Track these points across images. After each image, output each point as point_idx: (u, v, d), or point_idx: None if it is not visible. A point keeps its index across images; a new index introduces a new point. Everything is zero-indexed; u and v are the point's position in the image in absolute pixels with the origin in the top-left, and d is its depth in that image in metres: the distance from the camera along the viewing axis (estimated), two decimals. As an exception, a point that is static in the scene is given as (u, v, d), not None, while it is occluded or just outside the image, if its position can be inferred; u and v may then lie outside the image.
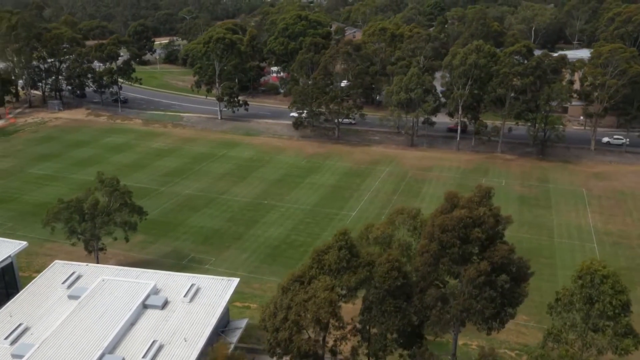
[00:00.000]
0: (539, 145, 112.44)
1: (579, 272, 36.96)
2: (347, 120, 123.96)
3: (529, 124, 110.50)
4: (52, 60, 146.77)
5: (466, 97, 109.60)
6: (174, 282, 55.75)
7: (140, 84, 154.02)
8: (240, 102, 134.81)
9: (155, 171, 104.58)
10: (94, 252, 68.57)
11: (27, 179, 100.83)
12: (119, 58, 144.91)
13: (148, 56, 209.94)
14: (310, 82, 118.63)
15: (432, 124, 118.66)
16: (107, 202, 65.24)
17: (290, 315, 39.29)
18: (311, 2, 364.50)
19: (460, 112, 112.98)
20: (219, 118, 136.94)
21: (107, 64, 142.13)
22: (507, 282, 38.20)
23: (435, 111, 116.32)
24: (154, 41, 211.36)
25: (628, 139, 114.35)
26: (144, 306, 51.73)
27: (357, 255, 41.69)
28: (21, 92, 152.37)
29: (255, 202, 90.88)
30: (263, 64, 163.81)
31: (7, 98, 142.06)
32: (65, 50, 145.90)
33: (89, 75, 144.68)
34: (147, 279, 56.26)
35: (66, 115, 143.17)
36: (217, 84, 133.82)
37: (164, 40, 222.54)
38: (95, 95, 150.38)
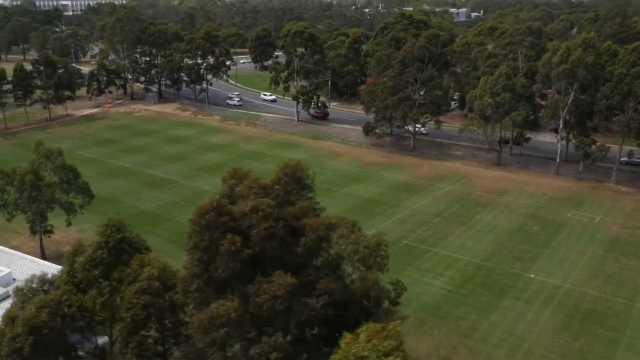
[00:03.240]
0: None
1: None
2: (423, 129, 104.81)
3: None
4: (152, 54, 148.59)
5: (568, 106, 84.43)
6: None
7: (227, 81, 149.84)
8: (319, 104, 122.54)
9: (191, 164, 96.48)
10: (38, 233, 60.84)
11: (67, 159, 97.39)
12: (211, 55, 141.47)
13: (270, 61, 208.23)
14: (383, 81, 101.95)
15: (527, 139, 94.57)
16: (42, 176, 56.94)
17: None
18: (458, 18, 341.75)
19: (561, 126, 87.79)
20: (296, 120, 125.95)
21: (198, 59, 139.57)
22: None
23: (530, 123, 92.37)
24: (276, 47, 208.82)
25: None
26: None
27: (126, 263, 26.28)
28: (135, 86, 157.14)
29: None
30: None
31: (109, 89, 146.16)
32: (166, 45, 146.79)
33: (184, 70, 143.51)
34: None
35: (157, 108, 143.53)
36: (296, 83, 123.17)
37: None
38: (199, 91, 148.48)
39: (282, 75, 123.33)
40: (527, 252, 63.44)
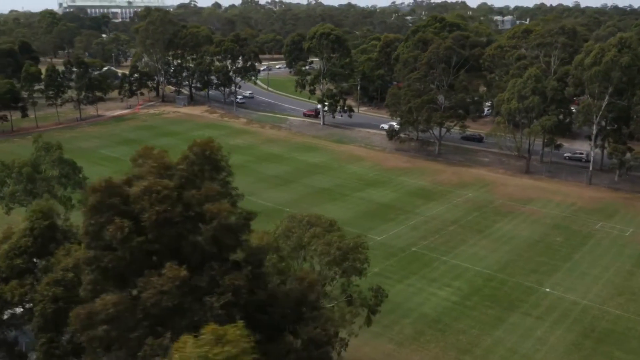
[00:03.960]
0: None
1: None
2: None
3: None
4: (184, 57, 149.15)
5: (602, 111, 78.87)
6: None
7: (255, 83, 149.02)
8: (345, 108, 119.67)
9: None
10: (38, 227, 60.21)
11: (89, 157, 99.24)
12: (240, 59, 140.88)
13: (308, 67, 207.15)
14: (407, 84, 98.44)
15: (558, 146, 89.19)
16: (41, 170, 56.35)
17: None
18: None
19: (594, 132, 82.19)
20: (321, 123, 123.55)
21: (228, 62, 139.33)
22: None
23: (563, 130, 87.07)
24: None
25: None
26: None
27: (52, 253, 24.24)
28: (167, 88, 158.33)
29: (277, 208, 74.83)
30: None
31: (141, 91, 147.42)
32: (196, 48, 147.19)
33: (213, 74, 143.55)
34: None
35: (186, 110, 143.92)
36: (322, 86, 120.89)
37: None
38: (228, 94, 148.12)
39: (309, 78, 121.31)
40: (545, 264, 58.69)
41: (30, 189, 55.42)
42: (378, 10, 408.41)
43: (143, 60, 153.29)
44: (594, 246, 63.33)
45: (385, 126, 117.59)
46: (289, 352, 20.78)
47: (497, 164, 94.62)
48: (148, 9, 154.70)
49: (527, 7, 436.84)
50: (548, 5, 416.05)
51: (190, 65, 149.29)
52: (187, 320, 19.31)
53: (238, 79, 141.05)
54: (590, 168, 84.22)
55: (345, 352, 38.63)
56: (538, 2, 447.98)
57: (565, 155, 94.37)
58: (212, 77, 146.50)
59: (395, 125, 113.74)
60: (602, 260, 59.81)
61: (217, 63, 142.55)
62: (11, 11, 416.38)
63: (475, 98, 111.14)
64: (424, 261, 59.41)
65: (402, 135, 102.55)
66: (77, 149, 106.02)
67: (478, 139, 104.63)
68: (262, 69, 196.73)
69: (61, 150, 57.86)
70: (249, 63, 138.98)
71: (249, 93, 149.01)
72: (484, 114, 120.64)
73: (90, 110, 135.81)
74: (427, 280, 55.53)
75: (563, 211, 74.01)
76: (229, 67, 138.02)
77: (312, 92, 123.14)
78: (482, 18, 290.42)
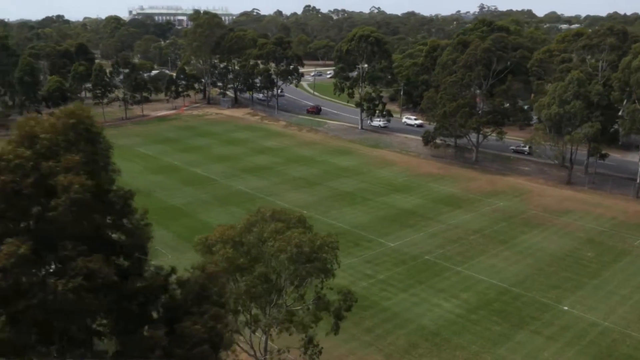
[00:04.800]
0: None
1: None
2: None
3: None
4: (230, 59, 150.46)
5: (651, 119, 72.33)
6: None
7: (296, 86, 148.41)
8: (384, 113, 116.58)
9: (236, 165, 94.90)
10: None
11: (125, 154, 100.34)
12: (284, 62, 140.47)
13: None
14: (443, 87, 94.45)
15: (603, 156, 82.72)
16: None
17: None
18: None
19: (643, 142, 75.57)
20: (359, 128, 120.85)
21: (271, 64, 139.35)
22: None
23: (610, 138, 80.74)
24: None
25: None
26: None
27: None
28: (213, 91, 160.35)
29: (292, 210, 72.87)
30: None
31: (187, 93, 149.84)
32: (241, 51, 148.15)
33: (257, 76, 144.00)
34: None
35: (229, 112, 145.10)
36: (360, 89, 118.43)
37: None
38: (270, 97, 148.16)
39: (347, 82, 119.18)
40: (568, 280, 53.69)
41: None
42: (440, 18, 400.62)
43: (191, 62, 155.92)
44: (628, 264, 57.54)
45: (371, 122, 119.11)
46: (154, 348, 18.77)
47: (537, 174, 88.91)
48: (197, 12, 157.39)
49: (599, 16, 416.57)
50: (622, 13, 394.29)
51: (236, 67, 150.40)
52: (26, 302, 17.59)
53: (280, 82, 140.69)
54: (638, 180, 77.43)
55: (319, 360, 36.15)
56: (611, 11, 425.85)
57: (510, 147, 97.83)
58: (256, 80, 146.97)
59: (380, 124, 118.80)
60: (634, 280, 54.11)
61: (260, 66, 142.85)
62: (85, 18, 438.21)
63: (526, 106, 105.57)
64: (435, 270, 55.75)
65: (437, 141, 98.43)
66: (115, 146, 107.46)
67: None
68: (312, 74, 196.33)
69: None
70: (292, 66, 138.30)
71: (280, 91, 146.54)
72: (533, 121, 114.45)
73: (136, 110, 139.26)
74: (433, 290, 51.91)
75: (601, 225, 68.05)
76: (272, 70, 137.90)
77: (351, 95, 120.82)
78: (545, 26, 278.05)
